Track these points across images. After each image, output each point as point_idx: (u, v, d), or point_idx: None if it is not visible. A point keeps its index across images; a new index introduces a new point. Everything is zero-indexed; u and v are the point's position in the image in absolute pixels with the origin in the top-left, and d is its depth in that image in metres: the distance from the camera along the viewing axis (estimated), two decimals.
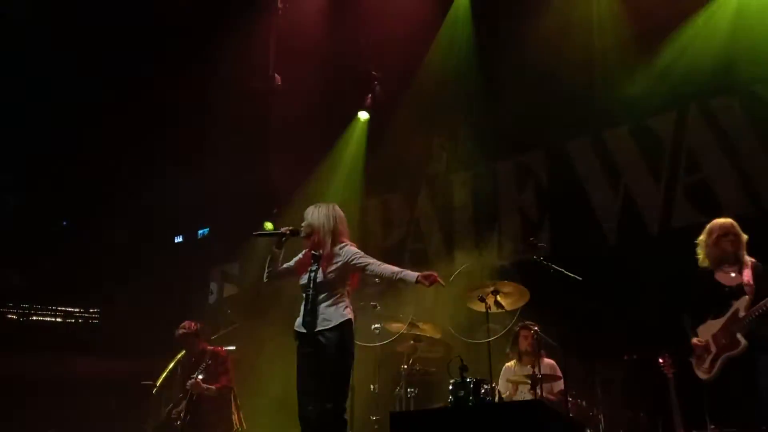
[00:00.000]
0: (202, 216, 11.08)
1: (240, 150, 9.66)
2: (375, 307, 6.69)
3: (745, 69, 7.01)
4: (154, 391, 7.41)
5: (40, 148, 10.15)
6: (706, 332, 4.99)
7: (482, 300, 6.13)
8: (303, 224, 4.77)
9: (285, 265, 4.84)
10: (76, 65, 9.34)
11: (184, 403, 6.52)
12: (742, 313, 4.80)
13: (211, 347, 6.89)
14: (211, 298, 10.85)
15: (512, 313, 6.39)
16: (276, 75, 8.91)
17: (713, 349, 4.90)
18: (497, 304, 6.13)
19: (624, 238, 7.61)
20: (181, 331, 6.83)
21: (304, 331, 4.57)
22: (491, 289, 6.15)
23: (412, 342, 6.79)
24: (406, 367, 6.62)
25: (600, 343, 6.34)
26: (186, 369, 6.86)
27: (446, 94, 8.88)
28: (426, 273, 4.53)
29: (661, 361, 5.83)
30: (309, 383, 4.51)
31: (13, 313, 10.98)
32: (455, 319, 7.09)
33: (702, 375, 4.99)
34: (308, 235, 4.72)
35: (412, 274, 4.54)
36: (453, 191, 8.98)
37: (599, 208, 7.86)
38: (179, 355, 7.37)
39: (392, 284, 4.82)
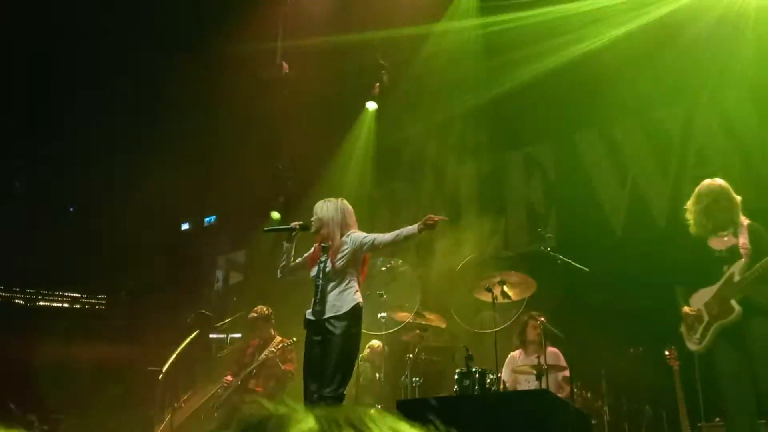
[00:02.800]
0: (209, 204, 11.11)
1: (247, 138, 9.66)
2: (381, 295, 6.71)
3: (754, 61, 6.97)
4: (160, 377, 7.45)
5: (48, 136, 10.17)
6: (698, 301, 4.64)
7: (489, 290, 6.14)
8: (312, 219, 4.89)
9: (297, 260, 4.95)
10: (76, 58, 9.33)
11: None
12: (737, 278, 4.45)
13: (280, 337, 7.00)
14: (217, 286, 10.90)
15: (518, 303, 6.39)
16: (283, 63, 8.88)
17: (705, 317, 4.56)
18: (504, 294, 6.15)
19: (631, 230, 7.60)
20: (253, 314, 7.04)
21: (313, 318, 4.69)
22: (498, 279, 6.16)
23: (417, 331, 6.82)
24: (411, 356, 6.64)
25: (606, 335, 6.34)
26: (252, 350, 7.02)
27: (453, 84, 8.85)
28: (425, 220, 4.65)
29: (667, 353, 5.84)
30: (315, 368, 4.64)
31: (19, 298, 11.05)
32: (461, 309, 7.10)
33: (692, 346, 4.70)
34: (318, 230, 4.85)
35: (412, 228, 4.69)
36: (460, 182, 8.98)
37: (606, 201, 7.85)
38: (187, 340, 7.41)
39: (401, 246, 4.88)
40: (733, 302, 4.43)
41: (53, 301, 11.22)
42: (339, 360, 4.57)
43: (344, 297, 4.70)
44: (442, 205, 9.05)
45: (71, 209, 11.81)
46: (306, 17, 9.10)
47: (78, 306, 11.27)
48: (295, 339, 6.72)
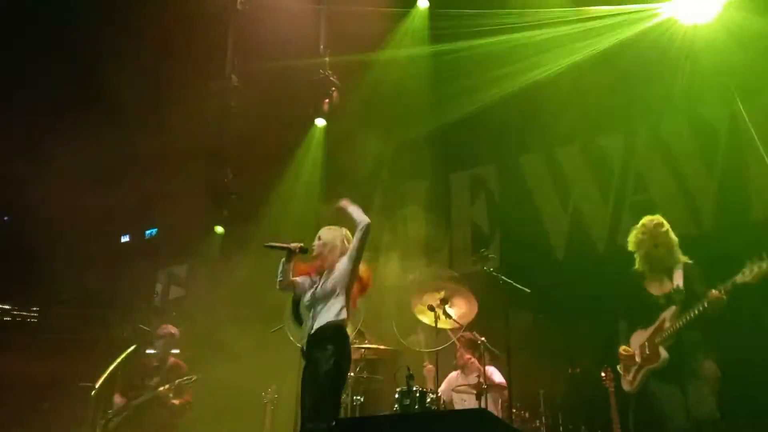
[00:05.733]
0: (151, 216, 10.86)
1: (192, 150, 9.51)
2: None
3: (692, 92, 7.24)
4: (93, 393, 7.20)
5: None
6: (635, 342, 4.87)
7: (431, 310, 6.15)
8: (314, 244, 5.03)
9: (293, 278, 5.00)
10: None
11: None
12: (667, 324, 4.67)
13: (178, 362, 7.10)
14: (156, 300, 10.63)
15: (460, 323, 6.41)
16: (233, 76, 8.80)
17: (638, 359, 4.79)
18: (446, 314, 6.16)
19: (572, 253, 7.75)
20: (163, 330, 7.13)
21: (305, 348, 4.74)
22: (441, 297, 6.18)
23: (359, 349, 6.76)
24: (352, 374, 6.58)
25: (545, 356, 6.42)
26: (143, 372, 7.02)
27: (402, 104, 8.91)
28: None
29: (603, 375, 5.95)
30: (305, 398, 4.63)
31: None
32: (403, 328, 7.10)
33: (625, 387, 4.91)
34: (318, 255, 4.97)
35: (354, 212, 4.89)
36: (406, 201, 9.01)
37: (549, 223, 8.00)
38: (122, 357, 7.21)
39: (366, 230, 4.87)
40: (661, 349, 4.66)
41: None
42: (322, 384, 4.53)
43: (327, 315, 4.69)
44: (388, 224, 9.08)
45: (5, 218, 11.41)
46: (257, 31, 9.07)
47: (8, 318, 10.83)
48: (195, 378, 6.88)
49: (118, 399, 6.90)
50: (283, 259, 5.00)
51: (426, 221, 8.74)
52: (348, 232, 5.06)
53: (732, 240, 6.19)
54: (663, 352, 4.63)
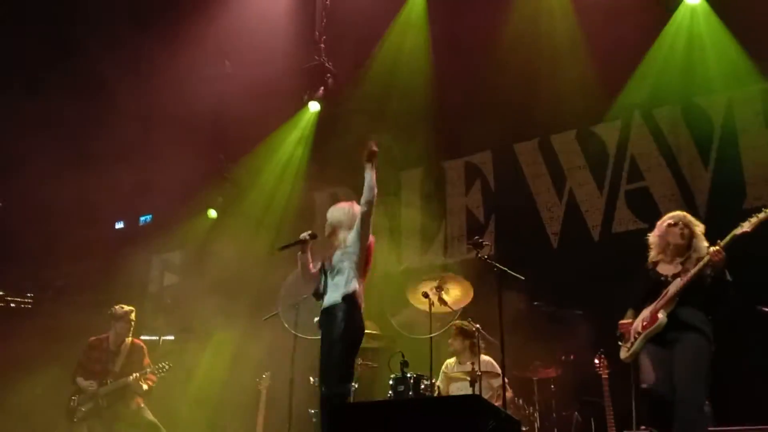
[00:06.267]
0: (146, 202, 10.82)
1: (188, 135, 9.47)
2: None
3: (689, 81, 7.24)
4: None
5: None
6: (641, 317, 4.85)
7: (426, 296, 6.16)
8: (326, 224, 5.08)
9: (313, 269, 5.06)
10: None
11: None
12: (670, 292, 4.68)
13: (138, 342, 7.17)
14: (151, 287, 10.62)
15: (455, 310, 6.43)
16: (226, 61, 8.76)
17: (639, 329, 4.79)
18: (441, 301, 6.18)
19: (566, 240, 7.77)
20: (114, 310, 7.08)
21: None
22: (435, 285, 6.18)
23: None
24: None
25: (538, 343, 6.44)
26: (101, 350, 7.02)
27: (397, 91, 8.88)
28: (366, 153, 4.82)
29: (596, 362, 5.98)
30: (321, 362, 4.72)
31: None
32: (398, 314, 7.12)
33: (622, 355, 4.92)
34: (330, 234, 5.03)
35: (368, 172, 4.78)
36: (401, 188, 9.00)
37: (544, 210, 8.00)
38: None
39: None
40: (660, 313, 4.67)
41: None
42: (332, 353, 4.63)
43: (337, 289, 4.75)
44: (383, 211, 9.07)
45: None
46: (254, 14, 9.03)
47: (2, 304, 10.80)
48: (169, 366, 6.92)
49: (81, 382, 6.83)
50: (299, 253, 5.08)
51: (421, 209, 8.74)
52: (356, 205, 5.07)
53: (726, 228, 6.19)
54: (661, 316, 4.65)
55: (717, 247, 4.57)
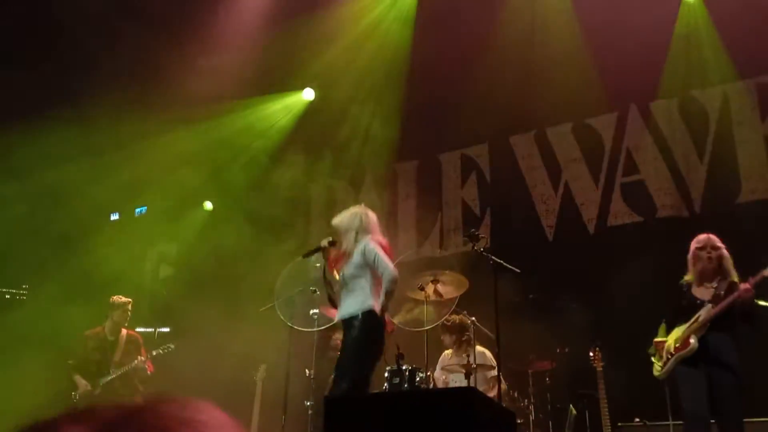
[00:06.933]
0: (141, 194, 10.78)
1: (181, 128, 9.43)
2: (314, 292, 6.65)
3: (686, 74, 7.24)
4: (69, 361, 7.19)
5: None
6: (673, 337, 5.02)
7: (421, 289, 6.17)
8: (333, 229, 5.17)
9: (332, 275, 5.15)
10: None
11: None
12: (701, 318, 4.83)
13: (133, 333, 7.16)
14: (147, 279, 10.60)
15: (450, 302, 6.44)
16: (221, 53, 8.72)
17: (673, 351, 4.96)
18: (436, 293, 6.18)
19: (562, 233, 7.78)
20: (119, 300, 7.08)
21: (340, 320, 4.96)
22: (431, 278, 6.19)
23: None
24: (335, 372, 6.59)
25: (533, 335, 6.46)
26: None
27: (393, 83, 8.86)
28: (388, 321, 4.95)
29: (591, 354, 6.01)
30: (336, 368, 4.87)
31: None
32: (394, 307, 7.11)
33: (656, 372, 5.09)
34: (338, 243, 5.10)
35: (383, 304, 4.83)
36: (398, 180, 9.00)
37: (539, 203, 8.01)
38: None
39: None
40: (691, 338, 4.83)
41: None
42: (342, 362, 4.80)
43: (353, 302, 4.84)
44: (380, 203, 9.07)
45: None
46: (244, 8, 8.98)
47: None
48: (173, 346, 6.93)
49: (79, 381, 6.79)
50: (322, 260, 5.18)
51: (416, 201, 8.74)
52: (365, 208, 5.15)
53: (721, 222, 6.23)
54: (693, 341, 4.81)
55: (747, 285, 4.70)
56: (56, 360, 7.35)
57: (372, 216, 5.16)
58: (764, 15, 6.71)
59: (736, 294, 4.73)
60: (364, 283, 4.85)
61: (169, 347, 6.93)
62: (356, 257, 4.89)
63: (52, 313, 8.08)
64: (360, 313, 4.78)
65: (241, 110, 9.51)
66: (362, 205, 5.21)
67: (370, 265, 4.87)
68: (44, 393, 7.03)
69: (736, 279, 4.91)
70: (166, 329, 8.61)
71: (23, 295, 10.38)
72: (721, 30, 7.13)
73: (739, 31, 6.92)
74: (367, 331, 4.77)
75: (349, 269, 4.91)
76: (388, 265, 4.84)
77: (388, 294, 4.85)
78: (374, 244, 4.94)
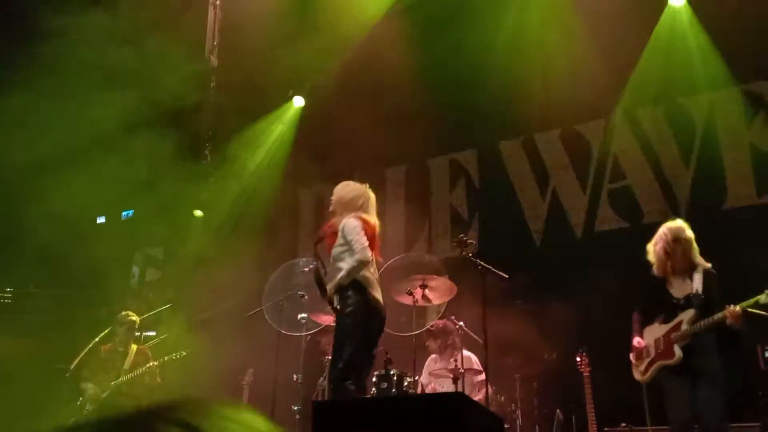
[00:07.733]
0: (128, 196, 10.71)
1: (170, 131, 9.39)
2: (302, 296, 6.64)
3: (673, 81, 7.30)
4: (67, 375, 7.15)
5: None
6: (650, 335, 4.93)
7: (410, 294, 6.17)
8: (332, 201, 5.15)
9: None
10: None
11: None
12: (684, 327, 4.73)
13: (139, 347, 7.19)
14: (133, 282, 10.53)
15: (438, 307, 6.45)
16: (212, 57, 8.69)
17: (652, 353, 4.88)
18: (425, 298, 6.19)
19: (549, 239, 7.81)
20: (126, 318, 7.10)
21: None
22: (419, 282, 6.19)
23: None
24: (330, 357, 6.58)
25: (521, 341, 6.48)
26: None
27: (383, 88, 8.86)
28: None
29: (578, 359, 6.03)
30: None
31: None
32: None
33: (637, 376, 5.02)
34: (332, 212, 5.09)
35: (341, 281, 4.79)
36: (386, 185, 9.00)
37: (527, 209, 8.04)
38: (98, 338, 7.16)
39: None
40: (676, 347, 4.74)
41: None
42: (334, 347, 4.84)
43: (340, 279, 4.78)
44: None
45: None
46: (237, 11, 8.96)
47: None
48: (185, 352, 6.84)
49: (90, 389, 6.80)
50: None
51: (405, 206, 8.74)
52: (356, 185, 5.12)
53: (707, 228, 6.27)
54: (677, 351, 4.72)
55: (738, 310, 4.56)
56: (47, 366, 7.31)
57: (363, 192, 5.08)
58: (752, 22, 6.77)
59: (721, 315, 4.60)
60: (349, 259, 4.80)
61: (181, 353, 6.89)
62: (340, 233, 4.86)
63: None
64: (343, 284, 4.76)
65: None
66: (360, 182, 5.15)
67: (348, 242, 4.81)
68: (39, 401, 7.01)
69: (704, 264, 4.80)
70: (152, 333, 8.56)
71: (7, 299, 10.30)
72: (709, 37, 7.19)
73: (726, 39, 6.98)
74: (354, 297, 4.74)
75: (336, 246, 4.88)
76: (358, 245, 4.73)
77: (350, 271, 4.73)
78: (357, 221, 4.87)
